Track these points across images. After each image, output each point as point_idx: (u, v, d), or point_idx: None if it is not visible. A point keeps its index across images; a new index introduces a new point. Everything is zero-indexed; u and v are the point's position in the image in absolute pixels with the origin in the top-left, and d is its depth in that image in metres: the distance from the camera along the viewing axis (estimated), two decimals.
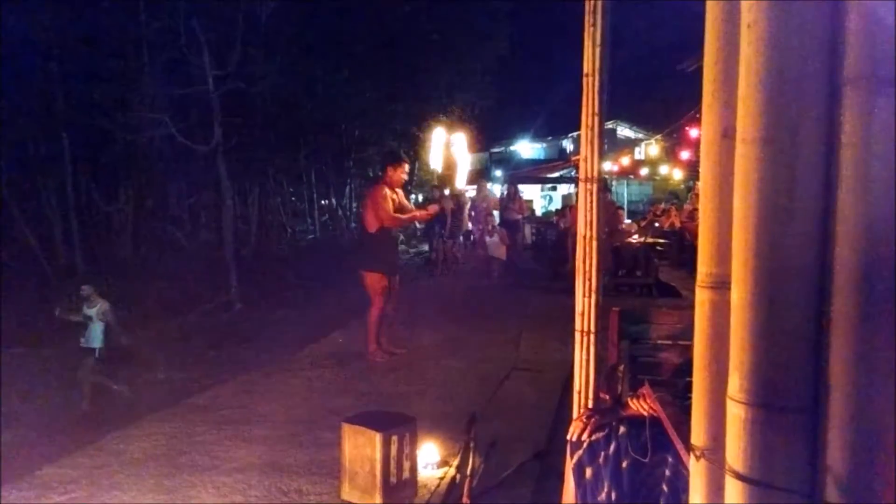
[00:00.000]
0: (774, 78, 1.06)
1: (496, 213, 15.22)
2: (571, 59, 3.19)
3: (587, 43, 2.96)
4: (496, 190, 21.88)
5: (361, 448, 3.39)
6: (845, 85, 1.02)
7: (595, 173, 3.04)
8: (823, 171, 1.04)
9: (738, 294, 1.10)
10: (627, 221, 15.06)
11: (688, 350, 2.29)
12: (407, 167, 6.65)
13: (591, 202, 3.05)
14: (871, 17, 0.99)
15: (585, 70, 2.99)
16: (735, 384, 1.11)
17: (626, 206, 24.01)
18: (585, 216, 3.07)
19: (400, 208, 6.44)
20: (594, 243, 3.04)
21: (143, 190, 13.51)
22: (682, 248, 13.46)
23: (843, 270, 1.01)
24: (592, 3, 2.93)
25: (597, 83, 2.97)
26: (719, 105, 1.17)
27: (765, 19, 1.05)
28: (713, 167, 1.19)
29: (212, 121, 10.78)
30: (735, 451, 1.10)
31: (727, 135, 1.15)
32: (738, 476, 1.10)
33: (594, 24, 2.94)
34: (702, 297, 1.22)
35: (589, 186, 3.05)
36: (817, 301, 1.04)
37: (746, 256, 1.08)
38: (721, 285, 1.17)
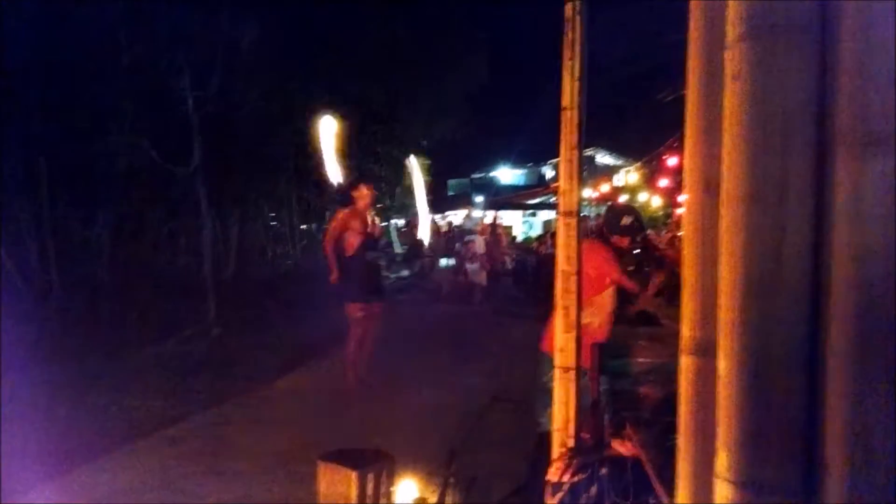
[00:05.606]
0: (760, 132, 0.99)
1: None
2: (552, 87, 3.17)
3: (565, 76, 2.94)
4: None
5: (337, 486, 3.31)
6: (837, 144, 0.96)
7: (575, 206, 3.01)
8: (813, 233, 0.97)
9: (725, 365, 1.02)
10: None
11: (669, 385, 2.26)
12: (365, 189, 6.47)
13: (572, 236, 3.02)
14: (863, 76, 0.94)
15: (564, 103, 2.96)
16: (723, 462, 1.03)
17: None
18: (565, 250, 3.03)
19: (369, 236, 6.42)
20: (574, 278, 3.01)
21: (121, 213, 13.33)
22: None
23: (837, 347, 0.94)
24: (570, 36, 2.92)
25: (575, 117, 2.95)
26: (702, 157, 1.10)
27: (749, 72, 0.99)
28: (695, 224, 1.11)
29: (192, 143, 10.68)
30: None
31: (709, 189, 1.08)
32: None
33: (572, 58, 2.92)
34: (686, 364, 1.13)
35: (569, 220, 3.02)
36: (809, 376, 0.97)
37: (733, 326, 1.00)
38: (706, 351, 1.08)
